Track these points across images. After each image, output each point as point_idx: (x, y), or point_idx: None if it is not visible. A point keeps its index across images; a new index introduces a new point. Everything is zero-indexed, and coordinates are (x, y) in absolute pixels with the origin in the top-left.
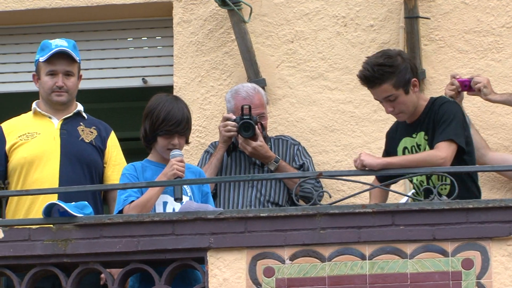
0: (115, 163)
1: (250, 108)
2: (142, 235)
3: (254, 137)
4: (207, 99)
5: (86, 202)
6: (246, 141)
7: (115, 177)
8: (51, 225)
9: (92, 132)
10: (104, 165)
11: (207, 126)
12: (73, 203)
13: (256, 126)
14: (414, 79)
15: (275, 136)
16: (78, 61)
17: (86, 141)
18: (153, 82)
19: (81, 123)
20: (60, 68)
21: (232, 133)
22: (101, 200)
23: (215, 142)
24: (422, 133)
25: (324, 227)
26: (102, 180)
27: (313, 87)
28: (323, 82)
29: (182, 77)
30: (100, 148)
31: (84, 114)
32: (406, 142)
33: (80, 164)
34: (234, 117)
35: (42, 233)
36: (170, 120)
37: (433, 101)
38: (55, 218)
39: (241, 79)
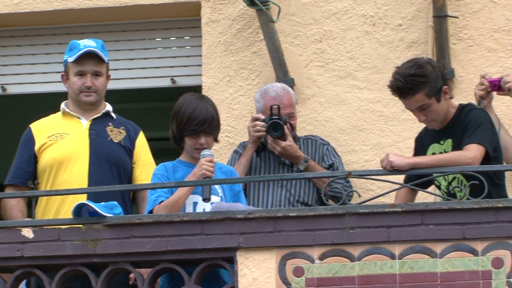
0: (144, 163)
1: (279, 108)
2: (171, 235)
3: (283, 137)
4: (235, 99)
5: (116, 202)
6: (275, 141)
7: (143, 177)
8: (81, 225)
9: (121, 132)
10: (133, 165)
11: (236, 126)
12: (103, 203)
13: (285, 126)
14: (446, 86)
15: (304, 136)
16: (107, 61)
17: (115, 141)
18: (181, 82)
19: (110, 123)
20: (88, 68)
21: (261, 133)
22: (130, 200)
23: (244, 142)
24: (450, 140)
25: (354, 226)
26: (131, 180)
27: (342, 87)
28: (351, 82)
29: (210, 77)
30: (128, 148)
31: (112, 114)
32: (434, 148)
33: (109, 164)
34: (263, 117)
35: (72, 233)
36: (194, 120)
37: (461, 109)
38: (84, 218)
39: (269, 79)
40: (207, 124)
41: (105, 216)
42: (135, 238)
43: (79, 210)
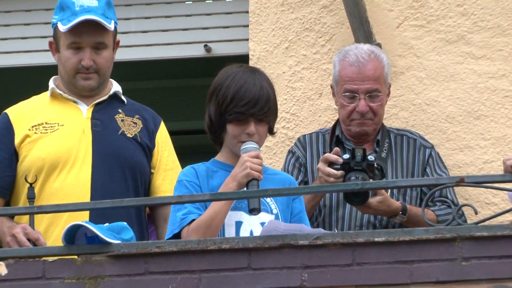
0: (167, 167)
1: (364, 151)
2: (205, 269)
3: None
4: (297, 73)
5: (125, 223)
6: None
7: (167, 188)
8: (75, 256)
9: (135, 123)
10: (152, 170)
11: (297, 113)
12: (106, 224)
13: (371, 178)
14: None
15: (397, 129)
16: (115, 25)
17: (129, 135)
18: (219, 50)
19: (120, 110)
20: (87, 40)
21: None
22: (146, 219)
23: (304, 136)
24: None
25: (468, 256)
26: (149, 192)
27: (450, 55)
28: (464, 48)
29: (261, 43)
30: (147, 145)
31: (123, 98)
32: None
33: (121, 169)
34: (340, 160)
35: (62, 268)
36: (242, 98)
37: None
38: (80, 246)
39: (346, 45)
40: (261, 105)
41: (110, 243)
42: (152, 275)
43: (73, 234)
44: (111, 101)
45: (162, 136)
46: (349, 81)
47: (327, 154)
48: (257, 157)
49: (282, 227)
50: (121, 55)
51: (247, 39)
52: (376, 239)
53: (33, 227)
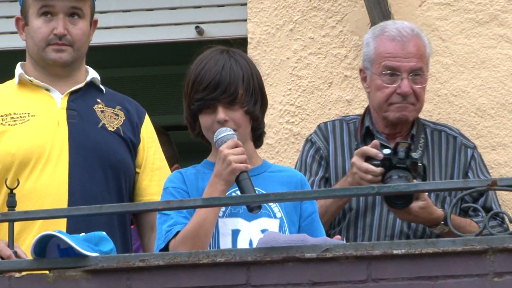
0: (154, 167)
1: (409, 147)
2: (196, 286)
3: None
4: (303, 60)
5: (104, 233)
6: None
7: (155, 190)
8: (46, 271)
9: (117, 115)
10: (137, 170)
11: (304, 106)
12: (82, 234)
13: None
14: None
15: (433, 123)
16: None
17: (110, 129)
18: (213, 32)
19: (99, 100)
20: (61, 5)
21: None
22: (131, 229)
23: (326, 124)
24: None
25: (501, 271)
26: (133, 195)
27: (482, 39)
28: (497, 30)
29: (261, 24)
30: (131, 141)
31: (101, 86)
32: None
33: (102, 167)
34: (381, 155)
35: (30, 284)
36: (201, 82)
37: None
38: (52, 259)
39: (360, 26)
40: (223, 88)
41: (87, 255)
42: None
43: (44, 245)
44: (88, 90)
45: (148, 131)
46: (390, 57)
47: (365, 147)
48: (236, 145)
49: (282, 238)
50: (99, 38)
51: (245, 20)
52: (395, 252)
53: (12, 240)
